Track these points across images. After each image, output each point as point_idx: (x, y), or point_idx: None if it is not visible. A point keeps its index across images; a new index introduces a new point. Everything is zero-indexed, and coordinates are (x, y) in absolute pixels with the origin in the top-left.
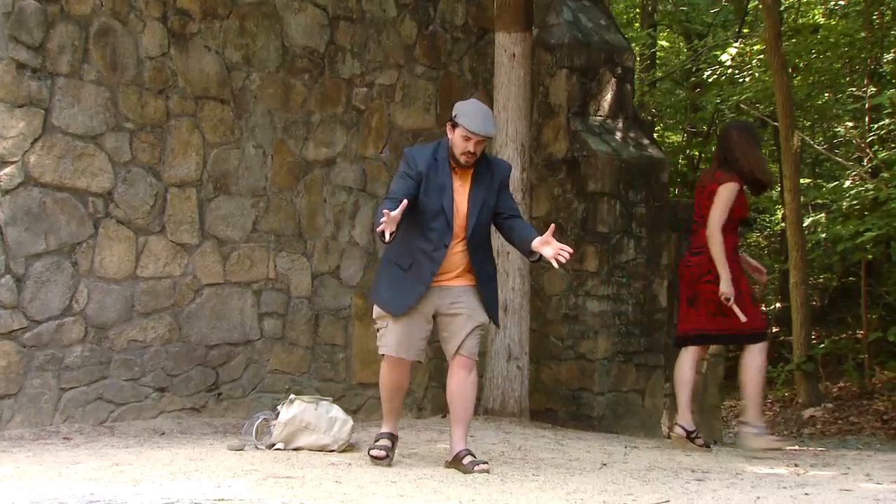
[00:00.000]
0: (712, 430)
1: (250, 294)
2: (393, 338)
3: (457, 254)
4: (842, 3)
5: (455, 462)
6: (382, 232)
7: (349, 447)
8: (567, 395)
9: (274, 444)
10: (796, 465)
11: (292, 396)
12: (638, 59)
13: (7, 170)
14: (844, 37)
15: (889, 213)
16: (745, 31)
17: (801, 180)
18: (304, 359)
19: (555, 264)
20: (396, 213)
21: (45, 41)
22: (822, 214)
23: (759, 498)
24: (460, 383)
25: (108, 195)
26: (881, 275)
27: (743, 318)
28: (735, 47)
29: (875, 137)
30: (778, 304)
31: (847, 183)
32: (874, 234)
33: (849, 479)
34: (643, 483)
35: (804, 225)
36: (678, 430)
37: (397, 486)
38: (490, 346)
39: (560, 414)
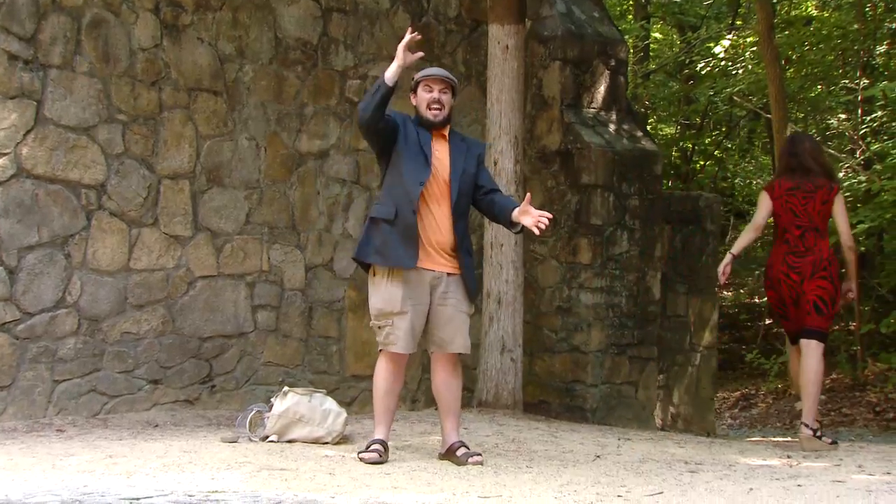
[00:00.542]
0: (706, 423)
1: (244, 286)
2: (401, 334)
3: (441, 221)
4: None
5: (449, 454)
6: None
7: (343, 439)
8: (560, 388)
9: (268, 437)
10: (789, 457)
11: (286, 389)
12: (631, 51)
13: (0, 161)
14: (837, 29)
15: (881, 205)
16: (739, 23)
17: None
18: (297, 351)
19: (536, 231)
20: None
21: (37, 32)
22: None
23: (751, 489)
24: (446, 378)
25: (100, 187)
26: (874, 267)
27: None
28: (728, 39)
29: (867, 129)
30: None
31: (840, 175)
32: (866, 226)
33: (841, 470)
34: (636, 475)
35: None
36: (805, 430)
37: (391, 479)
38: (483, 338)
39: (553, 406)
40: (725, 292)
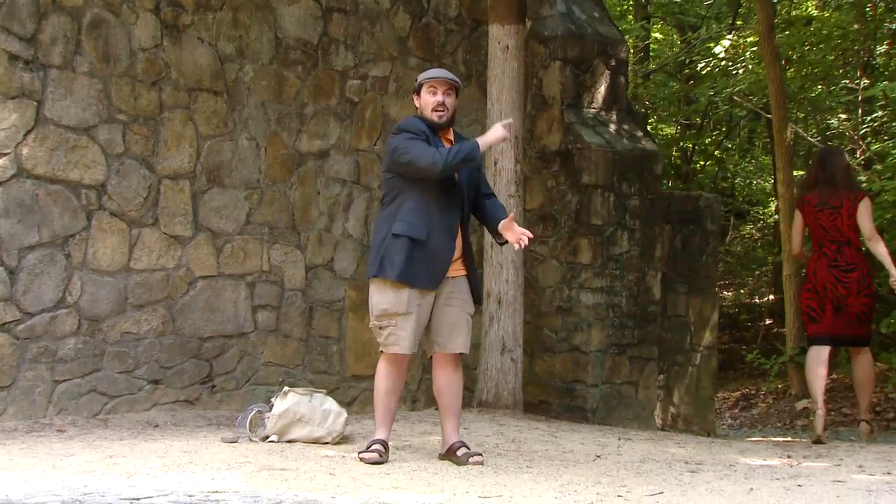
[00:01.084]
0: (706, 423)
1: (244, 286)
2: (405, 335)
3: (454, 224)
4: None
5: (449, 454)
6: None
7: (343, 439)
8: (561, 388)
9: (268, 437)
10: (789, 457)
11: (286, 389)
12: (631, 51)
13: (0, 162)
14: (837, 29)
15: (882, 205)
16: (739, 23)
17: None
18: (297, 351)
19: (517, 247)
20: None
21: (38, 32)
22: None
23: (752, 489)
24: (448, 378)
25: (101, 187)
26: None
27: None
28: (728, 39)
29: (868, 129)
30: (771, 297)
31: None
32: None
33: (841, 470)
34: (637, 475)
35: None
36: (865, 425)
37: (391, 479)
38: (484, 338)
39: (554, 406)
40: (725, 292)
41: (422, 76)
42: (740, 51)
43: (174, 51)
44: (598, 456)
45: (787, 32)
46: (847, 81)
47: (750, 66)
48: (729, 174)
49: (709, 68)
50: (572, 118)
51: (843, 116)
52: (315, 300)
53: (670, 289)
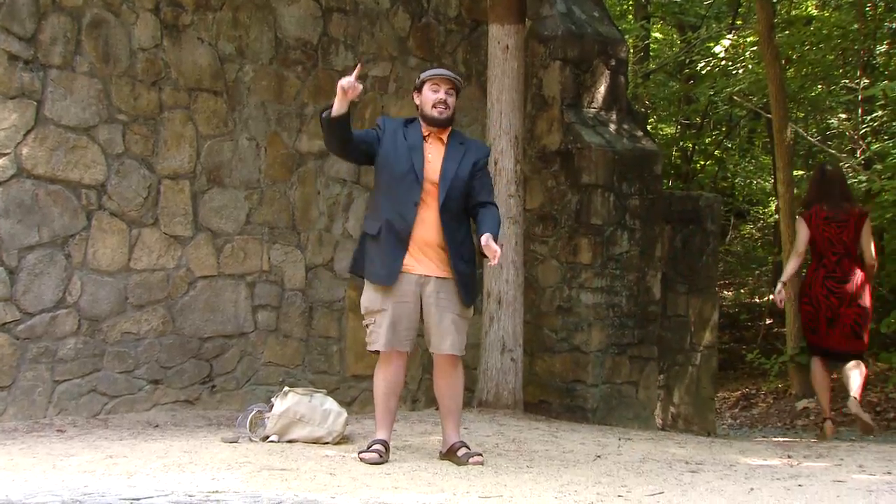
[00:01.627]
0: (706, 422)
1: (244, 286)
2: (381, 331)
3: (430, 223)
4: None
5: (449, 454)
6: (329, 108)
7: (343, 439)
8: (561, 387)
9: (268, 437)
10: (789, 457)
11: (286, 389)
12: (631, 50)
13: (0, 161)
14: (837, 28)
15: (882, 205)
16: (739, 22)
17: (795, 172)
18: (297, 351)
19: (492, 264)
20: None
21: (38, 32)
22: None
23: (752, 489)
24: (447, 379)
25: (101, 187)
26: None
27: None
28: (728, 39)
29: (868, 129)
30: (771, 296)
31: None
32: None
33: (842, 470)
34: (637, 475)
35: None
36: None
37: (391, 479)
38: (484, 338)
39: (554, 406)
40: (726, 292)
41: (424, 74)
42: (740, 50)
43: (174, 51)
44: (599, 456)
45: (786, 32)
46: (847, 81)
47: (750, 66)
48: (729, 174)
49: (709, 68)
50: (572, 118)
51: (843, 116)
52: (315, 300)
53: (670, 289)
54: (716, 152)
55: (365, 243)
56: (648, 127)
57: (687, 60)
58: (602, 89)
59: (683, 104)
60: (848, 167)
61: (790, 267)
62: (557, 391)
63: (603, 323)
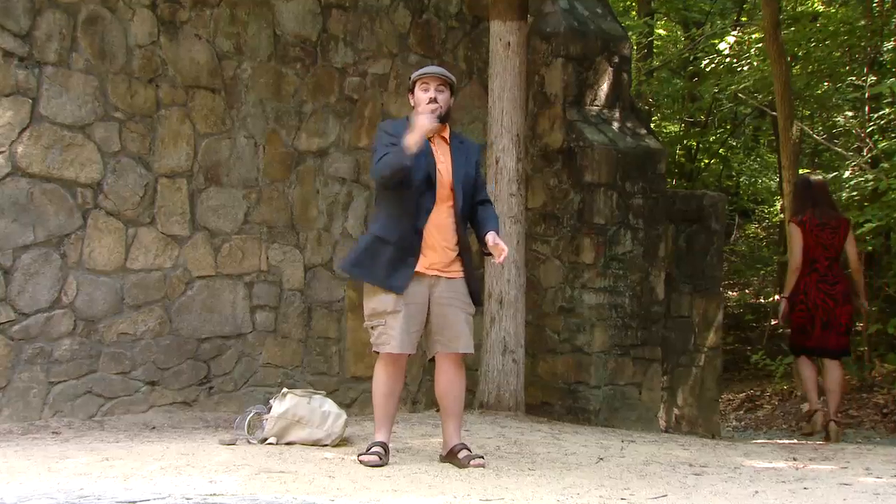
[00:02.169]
0: (710, 424)
1: (242, 286)
2: (395, 333)
3: (443, 226)
4: None
5: (450, 456)
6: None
7: (342, 442)
8: (563, 389)
9: (266, 439)
10: (795, 459)
11: (285, 390)
12: (635, 47)
13: None
14: (844, 25)
15: (889, 203)
16: (744, 19)
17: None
18: (296, 352)
19: (498, 261)
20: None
21: (33, 29)
22: None
23: (757, 492)
24: (451, 380)
25: (97, 186)
26: (881, 266)
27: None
28: (733, 36)
29: (875, 127)
30: (776, 297)
31: (846, 173)
32: (874, 225)
33: (848, 473)
34: (640, 477)
35: None
36: (834, 425)
37: (391, 481)
38: (485, 339)
39: (556, 408)
40: (730, 292)
41: (415, 73)
42: (745, 47)
43: (171, 48)
44: (601, 458)
45: (792, 29)
46: (853, 78)
47: (755, 63)
48: (734, 172)
49: (713, 65)
50: (575, 116)
51: (850, 114)
52: (314, 300)
53: (674, 289)
54: (720, 150)
55: (374, 247)
56: (652, 125)
57: (691, 57)
58: (605, 87)
59: (687, 102)
60: (854, 165)
61: (791, 281)
62: (559, 393)
63: (606, 324)
